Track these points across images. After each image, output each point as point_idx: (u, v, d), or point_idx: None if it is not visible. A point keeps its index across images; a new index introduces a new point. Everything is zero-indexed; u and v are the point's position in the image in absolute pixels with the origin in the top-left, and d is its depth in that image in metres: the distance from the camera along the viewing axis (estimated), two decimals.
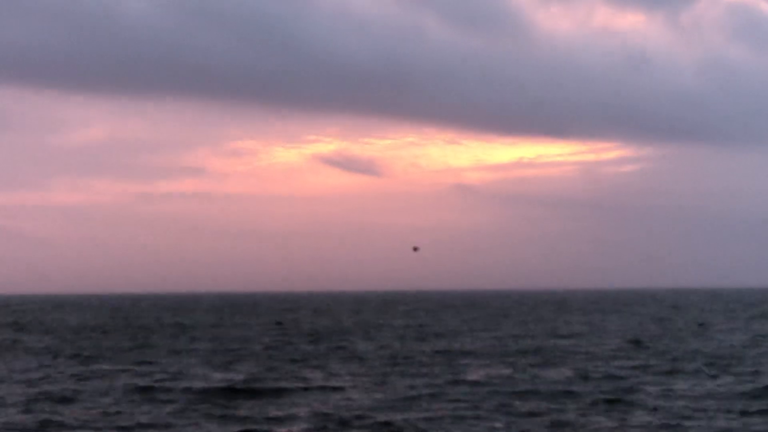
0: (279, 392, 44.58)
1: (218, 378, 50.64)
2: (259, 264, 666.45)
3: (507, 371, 52.73)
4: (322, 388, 45.69)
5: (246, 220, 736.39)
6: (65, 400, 42.26)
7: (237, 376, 51.57)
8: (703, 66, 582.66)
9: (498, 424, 34.88)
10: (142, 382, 48.91)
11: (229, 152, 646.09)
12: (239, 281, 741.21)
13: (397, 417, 36.28)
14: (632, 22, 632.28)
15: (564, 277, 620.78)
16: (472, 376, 50.57)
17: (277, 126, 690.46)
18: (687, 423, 35.03)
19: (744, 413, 37.26)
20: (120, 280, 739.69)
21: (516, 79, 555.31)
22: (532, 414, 37.15)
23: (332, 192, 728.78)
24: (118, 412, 38.27)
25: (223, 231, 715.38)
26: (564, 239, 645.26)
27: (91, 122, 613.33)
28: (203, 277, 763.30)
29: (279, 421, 36.09)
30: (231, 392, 44.50)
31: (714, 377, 49.56)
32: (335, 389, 45.26)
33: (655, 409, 38.14)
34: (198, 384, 47.60)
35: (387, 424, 35.05)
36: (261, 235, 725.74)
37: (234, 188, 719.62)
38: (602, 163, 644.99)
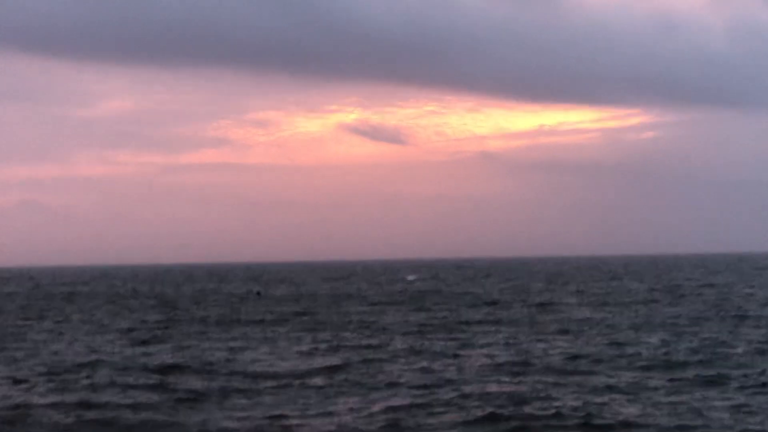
0: None
1: None
2: (285, 234, 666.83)
3: None
4: None
5: (270, 190, 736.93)
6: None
7: None
8: (732, 29, 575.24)
9: None
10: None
11: (252, 123, 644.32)
12: (263, 252, 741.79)
13: None
14: None
15: (589, 243, 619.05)
16: None
17: (299, 96, 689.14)
18: None
19: None
20: (143, 252, 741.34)
21: (543, 44, 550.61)
22: None
23: (357, 161, 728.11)
24: None
25: (249, 201, 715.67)
26: (587, 206, 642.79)
27: (114, 94, 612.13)
28: (227, 248, 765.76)
29: None
30: None
31: None
32: None
33: None
34: None
35: None
36: (285, 205, 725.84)
37: (257, 159, 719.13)
38: (624, 129, 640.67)
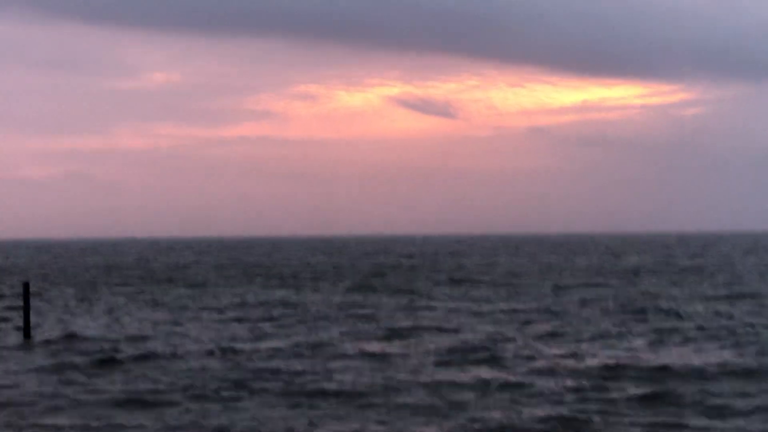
0: None
1: None
2: (326, 208, 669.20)
3: None
4: None
5: (313, 163, 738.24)
6: None
7: None
8: None
9: None
10: None
11: (294, 96, 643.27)
12: (304, 225, 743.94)
13: None
14: None
15: (636, 220, 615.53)
16: None
17: (339, 69, 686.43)
18: None
19: None
20: (184, 225, 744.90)
21: (598, 11, 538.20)
22: None
23: (402, 135, 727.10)
24: None
25: (293, 175, 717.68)
26: (635, 183, 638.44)
27: (157, 65, 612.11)
28: (268, 222, 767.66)
29: None
30: None
31: None
32: None
33: None
34: None
35: None
36: (327, 178, 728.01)
37: (299, 132, 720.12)
38: (669, 105, 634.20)
